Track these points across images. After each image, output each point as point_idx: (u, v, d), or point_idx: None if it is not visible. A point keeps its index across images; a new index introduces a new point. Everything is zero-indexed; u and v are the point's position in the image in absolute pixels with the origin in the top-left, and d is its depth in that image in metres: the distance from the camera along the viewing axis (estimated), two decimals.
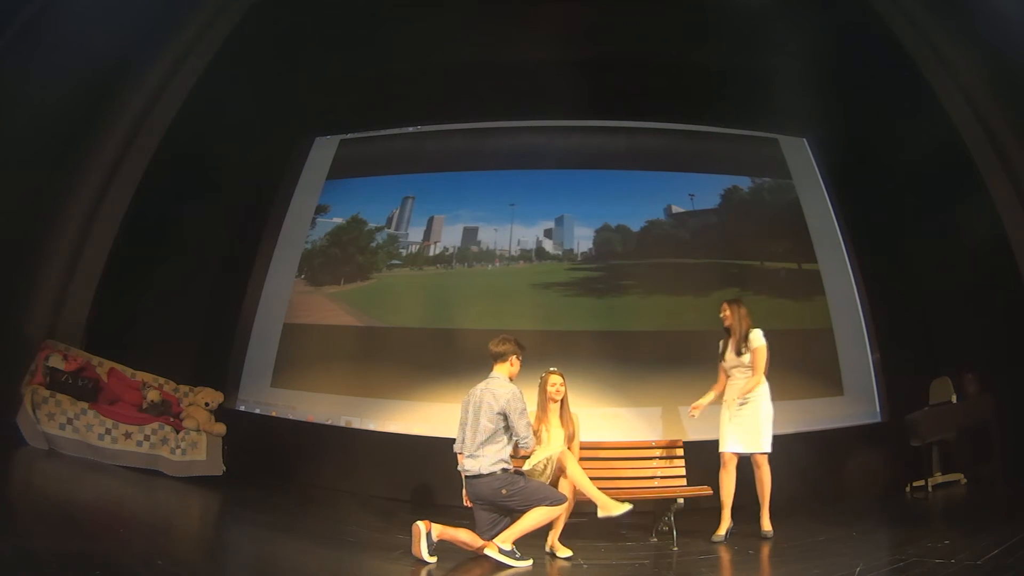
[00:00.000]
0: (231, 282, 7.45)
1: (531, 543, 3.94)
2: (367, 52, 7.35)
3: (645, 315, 7.08)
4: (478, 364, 6.20)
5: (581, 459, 4.36)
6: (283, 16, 6.76)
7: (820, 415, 6.46)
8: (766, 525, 4.47)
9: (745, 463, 4.64)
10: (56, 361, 5.54)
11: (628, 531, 4.86)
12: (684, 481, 4.64)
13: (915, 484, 5.73)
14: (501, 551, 3.77)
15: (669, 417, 6.43)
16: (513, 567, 3.74)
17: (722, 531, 4.48)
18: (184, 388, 6.07)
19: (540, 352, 6.78)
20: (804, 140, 7.67)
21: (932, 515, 5.27)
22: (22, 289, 5.94)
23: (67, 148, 6.07)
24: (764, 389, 4.60)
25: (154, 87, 6.57)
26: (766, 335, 4.68)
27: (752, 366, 4.61)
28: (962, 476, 5.71)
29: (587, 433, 5.78)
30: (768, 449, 4.56)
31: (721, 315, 4.83)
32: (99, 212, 6.41)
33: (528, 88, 7.28)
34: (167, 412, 5.79)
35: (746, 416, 4.59)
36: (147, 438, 5.49)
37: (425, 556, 3.66)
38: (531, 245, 7.53)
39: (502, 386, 4.01)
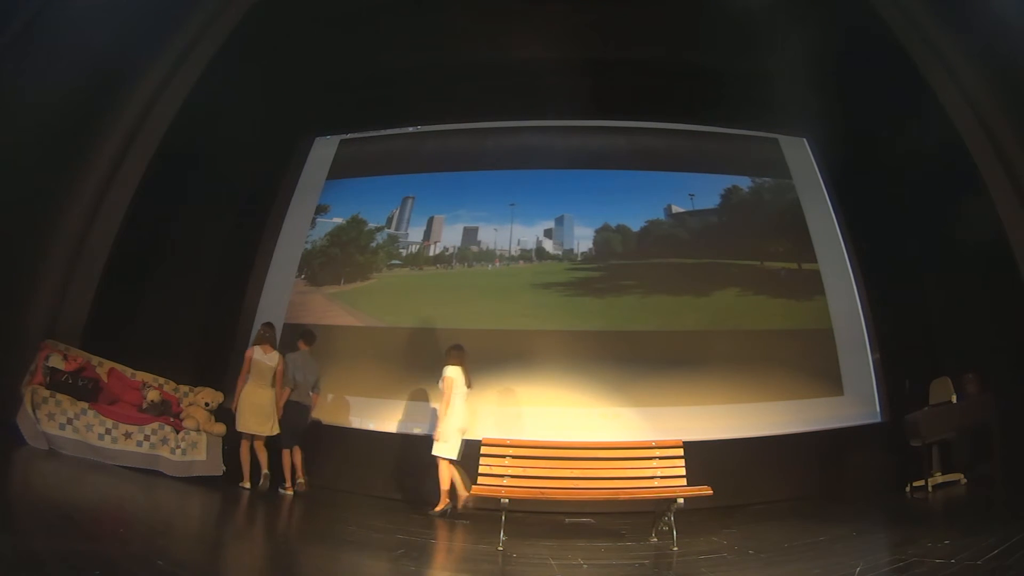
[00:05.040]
0: (231, 282, 7.45)
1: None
2: (367, 52, 7.34)
3: (645, 315, 7.08)
4: (478, 364, 6.24)
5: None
6: (283, 16, 6.76)
7: (820, 415, 6.46)
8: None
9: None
10: (56, 361, 5.54)
11: (628, 531, 4.86)
12: (684, 481, 4.63)
13: (915, 484, 5.73)
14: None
15: (670, 417, 6.43)
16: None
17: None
18: (184, 388, 6.08)
19: (540, 352, 6.85)
20: (804, 140, 7.68)
21: (932, 515, 5.27)
22: (22, 289, 5.94)
23: (67, 148, 6.06)
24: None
25: (154, 87, 6.57)
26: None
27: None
28: (962, 476, 5.72)
29: (588, 433, 5.83)
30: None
31: None
32: (99, 212, 6.41)
33: (528, 88, 7.29)
34: (167, 412, 5.79)
35: None
36: (147, 438, 5.49)
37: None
38: (531, 245, 7.53)
39: None
